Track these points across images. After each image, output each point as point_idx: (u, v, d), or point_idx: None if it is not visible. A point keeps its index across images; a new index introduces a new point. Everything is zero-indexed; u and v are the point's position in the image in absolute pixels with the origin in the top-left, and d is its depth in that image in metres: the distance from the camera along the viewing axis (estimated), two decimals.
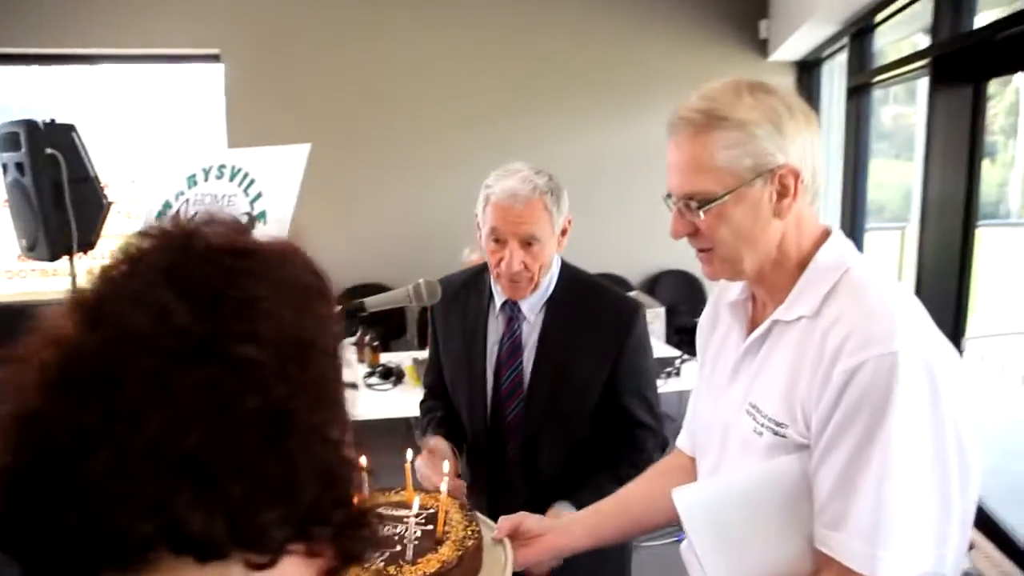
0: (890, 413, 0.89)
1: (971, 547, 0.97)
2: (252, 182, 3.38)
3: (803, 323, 1.00)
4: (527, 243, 1.56)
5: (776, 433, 1.01)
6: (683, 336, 4.30)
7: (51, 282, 4.35)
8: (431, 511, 1.18)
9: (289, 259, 0.54)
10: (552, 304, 1.66)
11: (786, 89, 1.03)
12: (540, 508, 1.42)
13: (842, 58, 4.75)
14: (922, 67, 3.53)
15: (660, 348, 3.82)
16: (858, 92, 4.42)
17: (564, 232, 1.65)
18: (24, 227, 3.54)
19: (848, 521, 0.93)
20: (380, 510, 1.21)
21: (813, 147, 1.02)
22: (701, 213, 1.02)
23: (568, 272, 1.72)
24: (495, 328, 1.70)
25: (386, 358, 3.63)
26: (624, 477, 1.51)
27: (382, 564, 1.06)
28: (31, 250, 3.55)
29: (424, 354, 3.16)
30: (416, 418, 1.95)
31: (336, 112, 4.86)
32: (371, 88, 4.91)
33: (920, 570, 0.89)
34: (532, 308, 1.66)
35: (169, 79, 4.96)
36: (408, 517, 1.12)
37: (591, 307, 1.65)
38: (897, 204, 5.46)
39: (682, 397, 4.33)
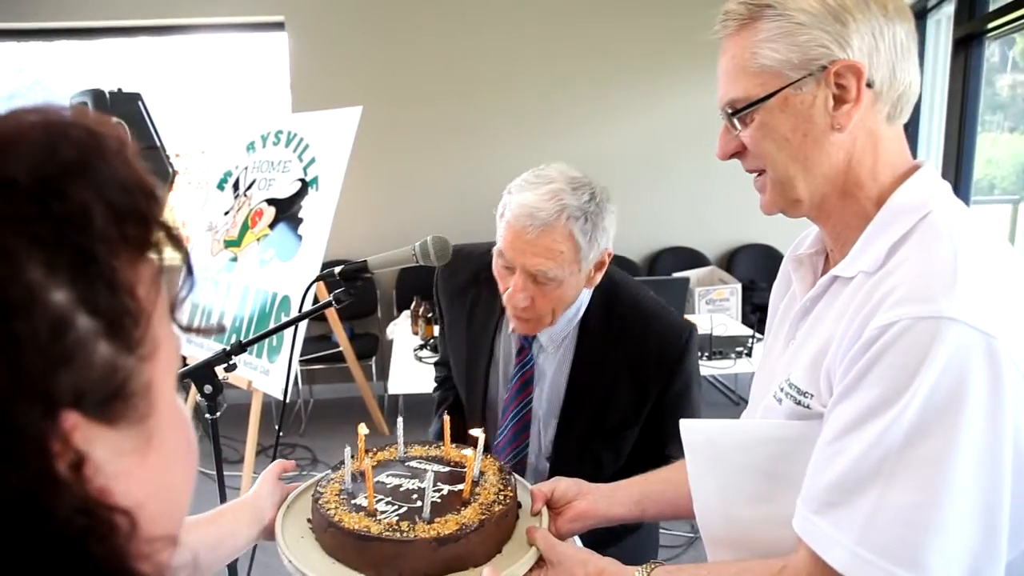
0: (909, 392, 0.68)
1: None
2: (307, 147, 3.33)
3: (859, 279, 0.80)
4: (538, 280, 1.23)
5: (798, 403, 0.84)
6: (761, 314, 4.01)
7: None
8: (464, 470, 1.08)
9: None
10: (584, 332, 1.36)
11: None
12: None
13: (949, 8, 4.28)
14: None
15: (733, 326, 3.61)
16: (967, 44, 3.97)
17: (601, 266, 1.30)
18: None
19: (819, 504, 0.75)
20: (411, 463, 1.14)
21: (893, 43, 0.79)
22: (736, 122, 0.84)
23: (603, 292, 1.36)
24: (507, 345, 1.43)
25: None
26: None
27: (396, 519, 0.96)
28: None
29: None
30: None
31: (399, 79, 4.77)
32: (434, 55, 4.79)
33: None
34: (552, 338, 1.38)
35: (235, 48, 4.98)
36: (429, 471, 1.03)
37: (631, 337, 1.33)
38: (1010, 182, 4.98)
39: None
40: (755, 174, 0.89)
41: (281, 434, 1.50)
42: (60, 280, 0.34)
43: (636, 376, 1.32)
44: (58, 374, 0.33)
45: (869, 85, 0.79)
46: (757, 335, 3.30)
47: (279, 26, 4.71)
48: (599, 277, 1.31)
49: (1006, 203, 4.94)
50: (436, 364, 1.72)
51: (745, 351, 3.19)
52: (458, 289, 1.49)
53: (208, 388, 1.29)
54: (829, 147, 0.81)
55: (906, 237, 0.77)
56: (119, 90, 3.74)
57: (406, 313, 3.89)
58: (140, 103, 3.81)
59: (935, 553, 0.67)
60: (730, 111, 0.85)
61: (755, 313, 4.25)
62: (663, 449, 1.35)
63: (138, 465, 0.38)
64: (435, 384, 1.71)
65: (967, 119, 4.12)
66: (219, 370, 1.31)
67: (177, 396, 0.43)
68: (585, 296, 1.35)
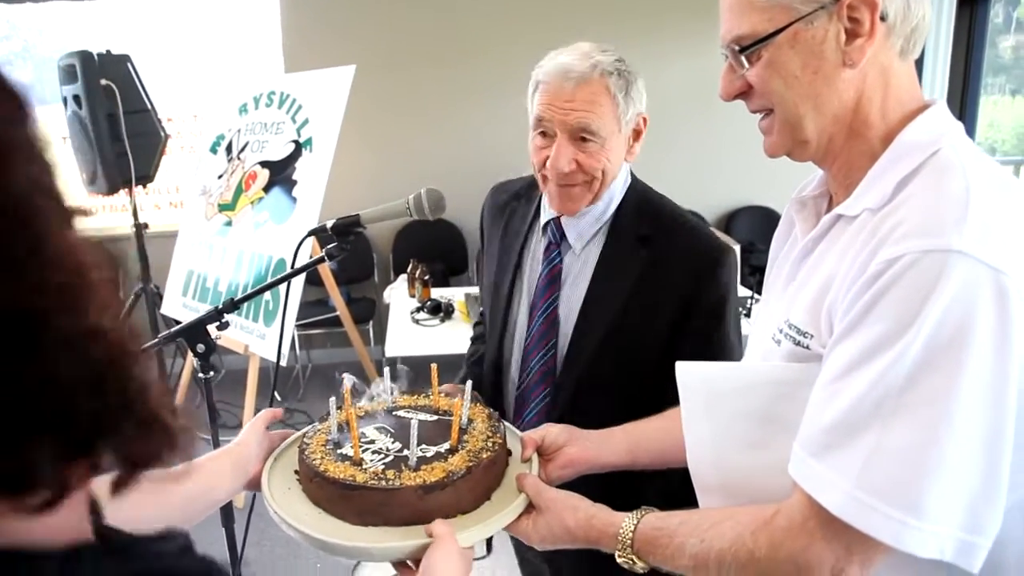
0: (913, 328, 0.66)
1: None
2: (300, 108, 3.28)
3: (864, 216, 0.77)
4: (580, 137, 1.23)
5: (797, 343, 0.82)
6: (759, 276, 4.00)
7: (120, 218, 4.37)
8: (451, 418, 1.07)
9: None
10: (613, 234, 1.31)
11: None
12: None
13: None
14: None
15: None
16: (972, 2, 3.90)
17: (638, 135, 1.31)
18: (83, 160, 3.54)
19: (817, 446, 0.73)
20: (398, 412, 1.12)
21: None
22: (744, 59, 0.80)
23: (637, 193, 1.34)
24: (536, 254, 1.40)
25: (440, 293, 3.51)
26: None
27: (382, 468, 0.95)
28: (91, 184, 3.55)
29: (477, 290, 3.03)
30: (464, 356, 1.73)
31: (393, 39, 4.69)
32: (429, 13, 4.70)
33: (940, 545, 0.67)
34: (580, 235, 1.33)
35: (226, 8, 4.88)
36: (415, 419, 1.01)
37: (663, 243, 1.28)
38: (1011, 145, 4.93)
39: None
40: (760, 115, 0.85)
41: (278, 397, 1.49)
42: None
43: (661, 278, 1.26)
44: None
45: (883, 18, 0.76)
46: (756, 296, 3.28)
47: None
48: (638, 148, 1.32)
49: (1007, 166, 4.91)
50: (475, 325, 1.69)
51: (744, 312, 3.18)
52: (499, 206, 1.52)
53: (201, 347, 1.28)
54: (839, 84, 0.78)
55: (915, 173, 0.74)
56: (108, 52, 3.67)
57: (403, 277, 3.87)
58: (129, 65, 3.74)
59: (933, 495, 0.66)
60: (736, 48, 0.81)
61: (754, 275, 4.23)
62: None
63: None
64: (470, 341, 1.68)
65: (970, 80, 4.07)
66: (212, 329, 1.30)
67: None
68: (618, 188, 1.33)
